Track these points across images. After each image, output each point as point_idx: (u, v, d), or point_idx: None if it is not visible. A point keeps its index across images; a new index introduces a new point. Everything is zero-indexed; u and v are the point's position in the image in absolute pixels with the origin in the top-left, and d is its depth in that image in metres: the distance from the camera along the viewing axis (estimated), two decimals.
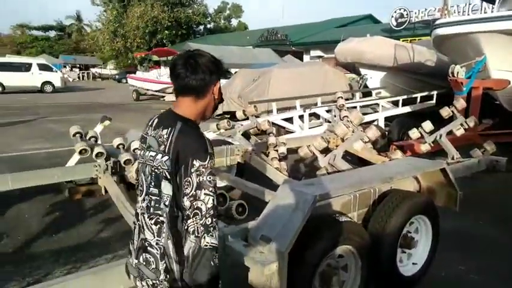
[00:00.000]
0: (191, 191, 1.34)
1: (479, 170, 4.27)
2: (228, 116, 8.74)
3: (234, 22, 50.89)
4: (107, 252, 3.53)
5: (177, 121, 1.44)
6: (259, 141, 5.04)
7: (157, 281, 1.44)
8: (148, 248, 1.47)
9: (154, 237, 1.45)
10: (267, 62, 15.13)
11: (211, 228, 1.34)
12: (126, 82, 22.62)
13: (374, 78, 10.20)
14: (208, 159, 1.36)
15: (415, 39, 16.61)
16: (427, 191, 3.45)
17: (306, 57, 25.46)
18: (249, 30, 42.23)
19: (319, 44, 24.62)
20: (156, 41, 36.57)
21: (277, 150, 4.78)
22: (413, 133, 4.52)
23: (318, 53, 24.56)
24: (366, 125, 5.51)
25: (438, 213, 3.06)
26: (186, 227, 1.35)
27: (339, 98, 5.85)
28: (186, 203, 1.34)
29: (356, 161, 4.89)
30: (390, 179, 2.81)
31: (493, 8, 8.42)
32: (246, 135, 4.93)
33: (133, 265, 1.55)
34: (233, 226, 2.37)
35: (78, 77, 40.43)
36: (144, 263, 1.48)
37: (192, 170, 1.34)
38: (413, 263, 3.00)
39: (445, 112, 4.46)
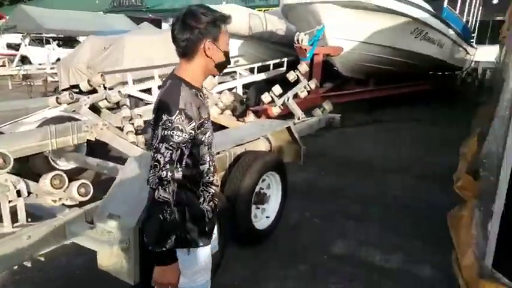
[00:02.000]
0: (155, 143, 1.39)
1: (320, 127, 4.83)
2: (77, 90, 7.82)
3: None
4: None
5: (168, 80, 1.50)
6: (113, 114, 4.66)
7: None
8: None
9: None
10: (121, 30, 13.90)
11: (165, 182, 1.37)
12: None
13: (232, 47, 10.41)
14: (176, 114, 1.38)
15: (268, 9, 17.48)
16: (277, 149, 3.74)
17: (164, 26, 24.36)
18: None
19: (177, 11, 23.74)
20: None
21: (133, 124, 4.49)
22: (265, 97, 4.81)
23: None
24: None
25: (286, 168, 3.35)
26: (147, 178, 1.41)
27: None
28: (152, 154, 1.40)
29: (219, 128, 4.98)
30: (241, 141, 2.93)
31: None
32: (95, 109, 4.48)
33: None
34: (75, 208, 2.14)
35: None
36: None
37: (160, 123, 1.38)
38: (266, 217, 3.25)
39: (291, 76, 4.86)
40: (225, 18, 1.49)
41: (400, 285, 2.71)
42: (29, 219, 2.10)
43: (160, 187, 1.37)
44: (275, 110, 4.92)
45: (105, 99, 4.31)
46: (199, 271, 1.60)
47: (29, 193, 2.08)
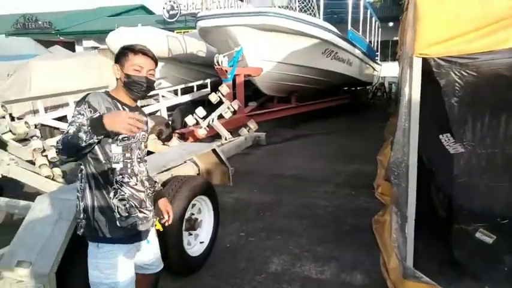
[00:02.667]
0: None
1: (247, 145, 4.90)
2: None
3: None
4: None
5: None
6: (23, 147, 4.20)
7: None
8: None
9: None
10: (27, 54, 12.79)
11: (59, 140, 1.58)
12: None
13: None
14: (82, 104, 1.66)
15: (188, 31, 17.53)
16: (205, 172, 3.68)
17: (78, 48, 23.10)
18: None
19: (92, 33, 22.72)
20: None
21: (46, 156, 4.09)
22: (189, 120, 4.74)
23: (92, 43, 22.69)
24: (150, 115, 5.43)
25: (215, 191, 3.30)
26: None
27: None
28: None
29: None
30: (164, 167, 2.82)
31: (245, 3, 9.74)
32: (0, 142, 4.00)
33: None
34: None
35: None
36: None
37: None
38: (200, 242, 3.15)
39: (213, 98, 4.87)
40: (130, 49, 1.78)
41: None
42: None
43: (55, 145, 1.64)
44: (201, 132, 4.87)
45: (10, 131, 3.87)
46: (112, 268, 1.72)
47: None
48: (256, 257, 3.31)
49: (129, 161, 1.77)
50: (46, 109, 7.22)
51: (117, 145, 1.72)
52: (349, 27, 10.54)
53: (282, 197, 4.73)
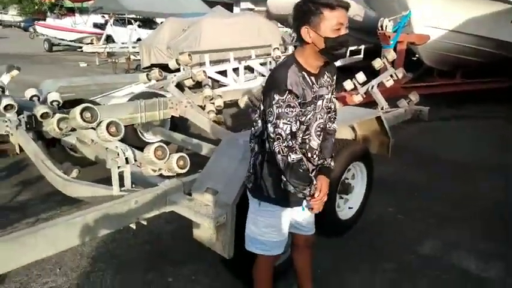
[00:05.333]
0: (273, 120, 1.57)
1: (406, 119, 4.54)
2: (156, 68, 8.18)
3: None
4: (27, 216, 3.17)
5: (285, 59, 1.71)
6: (194, 93, 4.79)
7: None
8: None
9: None
10: (196, 12, 14.27)
11: (294, 149, 1.61)
12: (35, 31, 20.00)
13: None
14: (286, 94, 1.56)
15: None
16: (362, 139, 3.58)
17: (235, 9, 24.64)
18: None
19: None
20: None
21: (213, 103, 4.58)
22: (348, 84, 4.61)
23: (248, 5, 23.89)
24: None
25: (372, 159, 3.19)
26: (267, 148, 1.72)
27: (275, 49, 5.73)
28: (270, 128, 1.60)
29: None
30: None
31: None
32: (180, 87, 4.62)
33: None
34: (174, 179, 2.20)
35: None
36: None
37: (273, 103, 1.56)
38: (349, 207, 3.14)
39: (377, 64, 4.59)
40: (326, 4, 1.50)
41: None
42: (133, 185, 2.22)
43: (290, 153, 1.56)
44: (357, 98, 4.70)
45: (190, 78, 4.41)
46: (268, 226, 1.80)
47: (135, 161, 2.18)
48: (403, 235, 3.14)
49: (307, 137, 1.72)
50: (210, 62, 8.02)
51: (303, 124, 1.67)
52: None
53: (436, 179, 4.31)
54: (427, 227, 3.29)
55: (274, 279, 2.02)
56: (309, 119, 1.68)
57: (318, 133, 1.75)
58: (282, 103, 1.54)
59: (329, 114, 1.86)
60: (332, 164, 1.89)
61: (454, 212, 3.57)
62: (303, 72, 1.62)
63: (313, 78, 1.65)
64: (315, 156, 1.78)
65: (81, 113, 2.00)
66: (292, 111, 1.55)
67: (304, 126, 1.68)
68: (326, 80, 1.74)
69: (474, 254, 2.89)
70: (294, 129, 1.59)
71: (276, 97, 1.54)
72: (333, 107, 1.88)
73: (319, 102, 1.71)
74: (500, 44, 7.60)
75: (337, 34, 1.52)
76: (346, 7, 1.54)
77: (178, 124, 4.62)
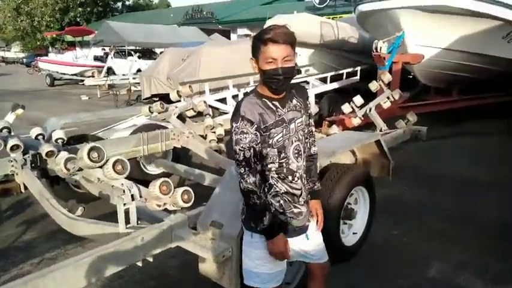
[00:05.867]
0: (234, 146, 1.71)
1: (404, 139, 4.58)
2: (157, 98, 8.32)
3: None
4: (32, 256, 3.18)
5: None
6: (195, 123, 4.87)
7: None
8: None
9: None
10: (195, 41, 14.63)
11: (245, 176, 1.68)
12: (35, 67, 20.45)
13: (302, 56, 10.39)
14: (234, 119, 1.70)
15: (336, 17, 17.24)
16: (362, 162, 3.62)
17: (233, 36, 25.19)
18: (172, 8, 40.45)
19: (246, 22, 24.43)
20: (68, 19, 33.42)
21: (214, 132, 4.64)
22: (346, 108, 4.68)
23: (245, 31, 24.41)
24: None
25: (374, 183, 3.22)
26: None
27: None
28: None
29: None
30: (333, 153, 2.87)
31: None
32: (181, 117, 4.71)
33: None
34: (179, 214, 2.23)
35: None
36: None
37: (232, 130, 1.70)
38: (353, 233, 3.14)
39: (374, 86, 4.69)
40: (260, 40, 1.62)
41: None
42: (138, 221, 2.24)
43: (242, 180, 1.67)
44: (355, 121, 4.78)
45: (192, 108, 4.50)
46: (262, 259, 1.78)
47: (140, 197, 2.21)
48: (411, 258, 3.13)
49: (284, 160, 1.73)
50: (210, 91, 8.15)
51: (273, 147, 1.71)
52: None
53: (437, 198, 4.32)
54: (433, 248, 3.27)
55: None
56: (278, 141, 1.71)
57: (296, 155, 1.76)
58: (237, 129, 1.66)
59: (311, 139, 1.91)
60: (319, 185, 1.99)
61: (456, 229, 3.56)
62: (264, 99, 1.71)
63: (276, 103, 1.72)
64: (296, 179, 1.78)
65: (88, 153, 2.06)
66: (246, 137, 1.64)
67: (275, 149, 1.71)
68: (295, 104, 1.79)
69: (482, 276, 2.86)
70: (247, 156, 1.65)
71: (234, 124, 1.68)
72: (312, 130, 1.93)
73: (292, 126, 1.75)
74: (492, 59, 7.73)
75: (269, 67, 1.63)
76: (282, 42, 1.60)
77: (181, 154, 4.67)
